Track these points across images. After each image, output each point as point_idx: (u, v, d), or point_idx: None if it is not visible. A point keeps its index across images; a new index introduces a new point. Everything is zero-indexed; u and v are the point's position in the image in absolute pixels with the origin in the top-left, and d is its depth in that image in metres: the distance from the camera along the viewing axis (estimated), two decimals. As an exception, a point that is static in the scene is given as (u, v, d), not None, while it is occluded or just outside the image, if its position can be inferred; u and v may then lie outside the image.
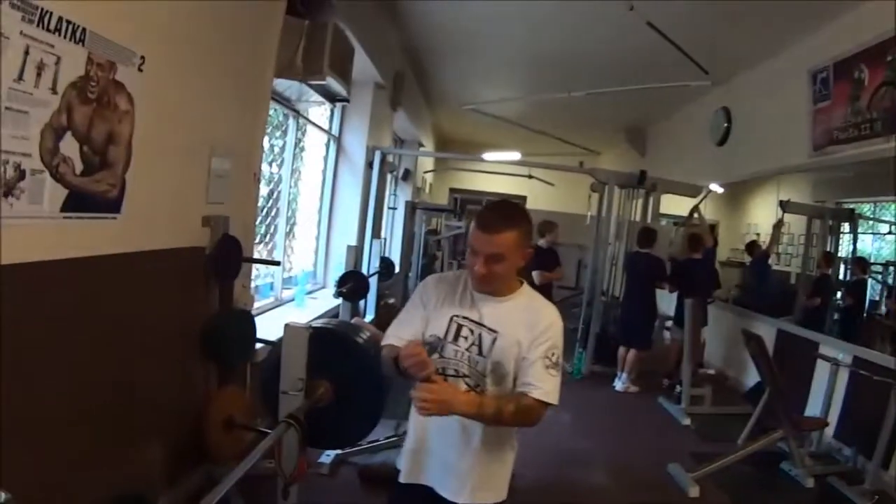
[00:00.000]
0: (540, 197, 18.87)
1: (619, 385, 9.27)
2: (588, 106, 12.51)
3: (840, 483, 6.18)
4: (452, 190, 20.45)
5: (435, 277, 2.96)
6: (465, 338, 2.68)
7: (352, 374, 3.48)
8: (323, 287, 8.84)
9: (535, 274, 8.98)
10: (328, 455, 5.43)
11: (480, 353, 2.65)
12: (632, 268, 9.68)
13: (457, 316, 2.72)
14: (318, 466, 5.31)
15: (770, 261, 10.42)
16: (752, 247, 10.70)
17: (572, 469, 6.25)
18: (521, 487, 5.42)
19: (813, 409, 7.44)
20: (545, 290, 8.82)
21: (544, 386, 2.56)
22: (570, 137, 16.33)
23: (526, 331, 2.63)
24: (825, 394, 7.02)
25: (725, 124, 10.93)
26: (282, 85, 6.39)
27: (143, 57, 3.16)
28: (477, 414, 2.53)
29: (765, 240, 10.62)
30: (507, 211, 2.66)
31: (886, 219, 8.93)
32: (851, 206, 9.11)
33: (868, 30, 7.01)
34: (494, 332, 2.64)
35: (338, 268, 8.24)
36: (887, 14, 6.60)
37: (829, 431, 7.20)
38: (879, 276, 8.65)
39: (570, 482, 5.94)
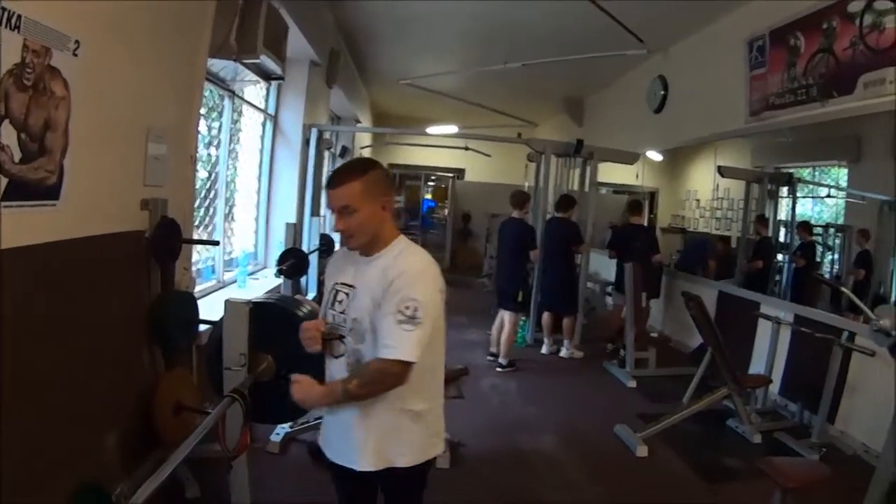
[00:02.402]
0: (479, 169, 18.94)
1: (563, 352, 9.40)
2: (525, 77, 12.58)
3: (787, 438, 6.36)
4: (391, 165, 20.43)
5: (334, 255, 3.12)
6: (340, 301, 2.80)
7: (293, 347, 3.47)
8: (264, 267, 8.79)
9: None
10: (278, 434, 5.47)
11: (345, 311, 2.77)
12: (549, 233, 9.72)
13: (337, 283, 2.85)
14: (268, 445, 5.37)
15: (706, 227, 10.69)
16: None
17: (520, 435, 6.33)
18: (468, 455, 5.52)
19: (757, 367, 7.65)
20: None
21: (394, 343, 2.54)
22: (507, 109, 16.35)
23: (379, 281, 2.65)
24: (768, 352, 7.23)
25: (662, 92, 11.09)
26: (217, 65, 6.33)
27: (77, 42, 3.10)
28: (334, 401, 2.67)
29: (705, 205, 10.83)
30: (350, 165, 2.78)
31: (826, 182, 9.10)
32: (791, 170, 9.26)
33: None
34: (354, 287, 2.75)
35: (279, 247, 8.21)
36: None
37: (775, 389, 7.43)
38: (820, 238, 8.83)
39: (518, 448, 6.02)
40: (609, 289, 11.37)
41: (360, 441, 2.75)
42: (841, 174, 8.64)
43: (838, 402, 6.40)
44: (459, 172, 19.91)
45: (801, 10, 7.25)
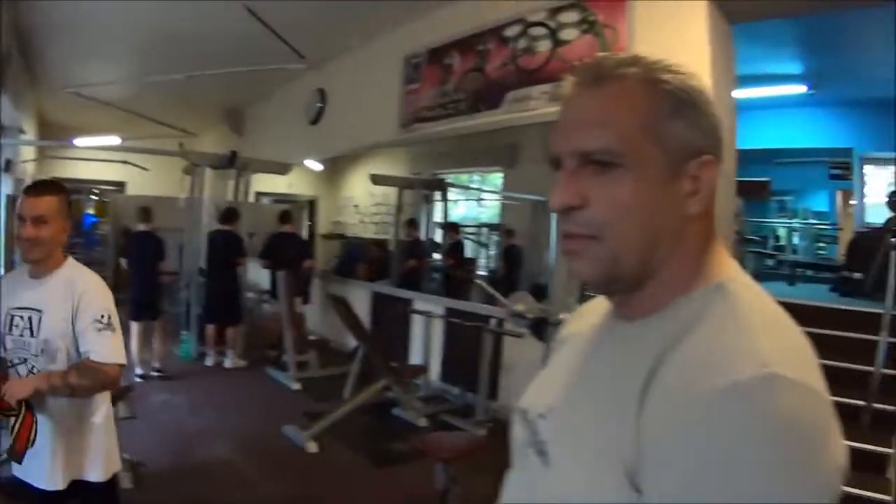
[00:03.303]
0: (141, 182, 18.58)
1: (227, 362, 9.49)
2: (188, 88, 12.48)
3: (453, 418, 7.05)
4: (55, 179, 19.53)
5: (2, 281, 3.13)
6: (17, 325, 2.81)
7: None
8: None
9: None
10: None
11: (32, 334, 2.78)
12: (213, 246, 9.80)
13: (11, 308, 2.85)
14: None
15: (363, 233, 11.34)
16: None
17: (197, 448, 6.41)
18: (149, 474, 5.53)
19: (416, 358, 8.35)
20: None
21: (101, 349, 2.74)
22: (170, 120, 16.07)
23: (67, 302, 2.77)
24: (423, 343, 7.95)
25: (319, 104, 11.55)
26: None
27: None
28: (49, 386, 2.61)
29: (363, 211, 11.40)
30: (51, 181, 2.97)
31: (479, 188, 9.94)
32: (449, 176, 10.01)
33: (463, 23, 8.05)
34: (39, 311, 2.79)
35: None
36: (483, 11, 7.79)
37: (436, 376, 8.16)
38: (475, 237, 9.61)
39: (196, 459, 6.13)
40: (266, 297, 11.55)
41: (50, 456, 2.75)
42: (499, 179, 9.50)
43: (497, 381, 7.17)
44: (121, 186, 19.46)
45: (460, 31, 8.09)
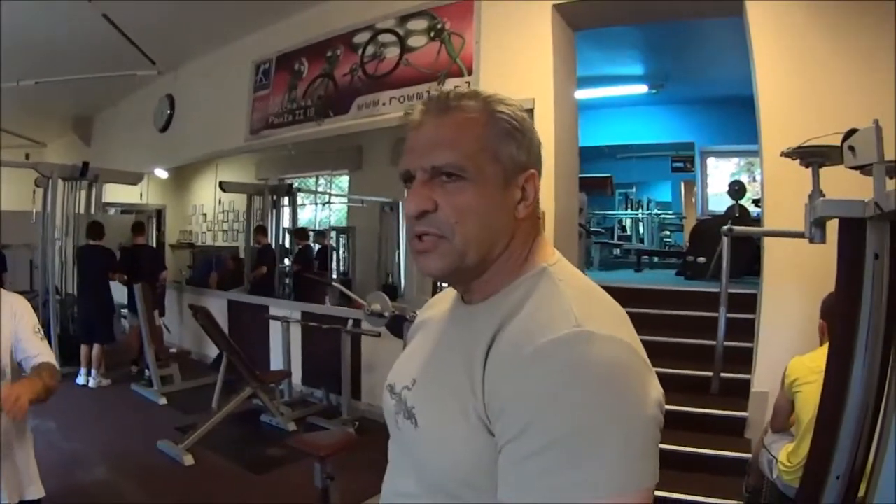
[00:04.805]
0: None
1: (91, 382, 9.10)
2: (36, 95, 12.05)
3: (320, 420, 7.14)
4: None
5: None
6: None
7: None
8: None
9: None
10: None
11: None
12: (83, 262, 9.56)
13: None
14: None
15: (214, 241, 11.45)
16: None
17: (73, 472, 6.16)
18: None
19: (277, 363, 8.39)
20: None
21: (50, 353, 2.89)
22: (15, 128, 15.61)
23: (9, 320, 2.82)
24: (283, 348, 7.97)
25: (169, 111, 11.51)
26: None
27: None
28: (34, 392, 2.58)
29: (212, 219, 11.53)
30: None
31: (327, 191, 10.01)
32: (296, 181, 10.06)
33: (313, 29, 8.21)
34: None
35: None
36: (333, 17, 7.97)
37: (298, 381, 8.27)
38: (332, 240, 9.74)
39: (76, 485, 5.88)
40: (124, 311, 10.96)
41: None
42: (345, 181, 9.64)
43: (359, 381, 7.37)
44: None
45: (309, 38, 8.24)
